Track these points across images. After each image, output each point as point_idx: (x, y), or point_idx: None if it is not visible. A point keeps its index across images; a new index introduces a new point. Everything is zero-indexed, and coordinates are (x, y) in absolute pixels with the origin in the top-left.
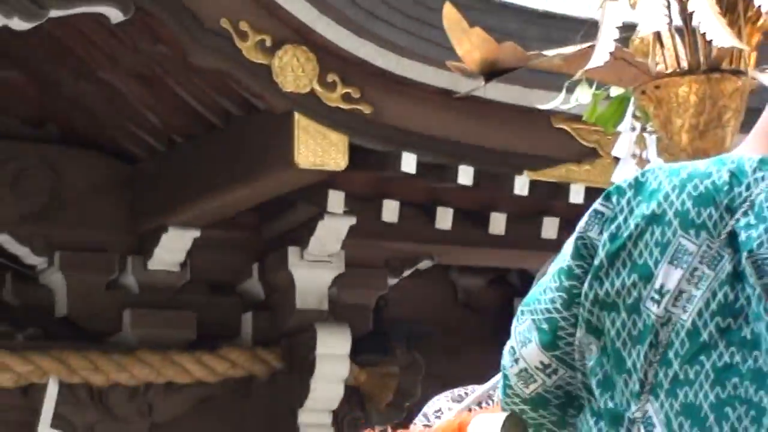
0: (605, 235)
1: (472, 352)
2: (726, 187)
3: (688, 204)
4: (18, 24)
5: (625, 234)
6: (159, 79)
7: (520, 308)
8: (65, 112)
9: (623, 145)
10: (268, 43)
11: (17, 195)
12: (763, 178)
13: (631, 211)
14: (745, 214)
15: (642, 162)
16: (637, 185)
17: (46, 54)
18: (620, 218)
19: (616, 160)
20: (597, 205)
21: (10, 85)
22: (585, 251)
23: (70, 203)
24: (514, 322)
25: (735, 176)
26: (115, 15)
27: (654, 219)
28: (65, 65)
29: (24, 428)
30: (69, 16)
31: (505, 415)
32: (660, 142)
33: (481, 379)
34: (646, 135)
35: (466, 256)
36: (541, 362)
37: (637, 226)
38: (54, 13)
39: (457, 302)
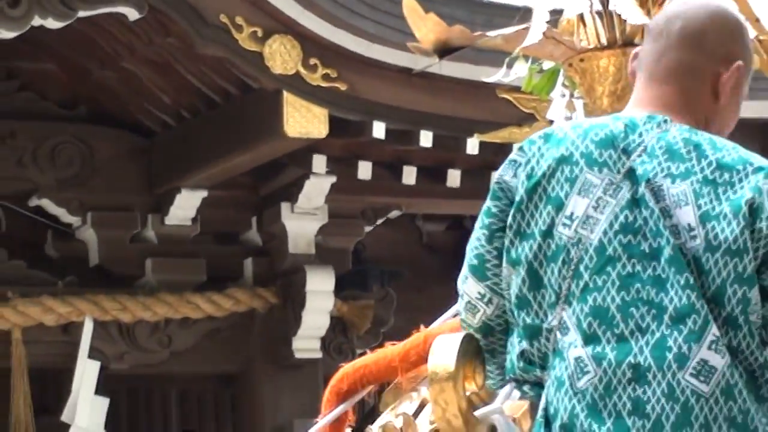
0: (523, 176)
1: (435, 286)
2: (622, 135)
3: (591, 147)
4: (52, 23)
5: (539, 173)
6: (170, 66)
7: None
8: (93, 96)
9: (556, 109)
10: (260, 33)
11: (55, 166)
12: (651, 128)
13: (542, 156)
14: (640, 154)
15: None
16: (546, 136)
17: (76, 47)
18: (533, 162)
19: (551, 122)
20: (512, 155)
21: (46, 75)
22: (501, 193)
23: (99, 171)
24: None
25: (629, 127)
26: (132, 14)
27: (563, 160)
28: (92, 56)
29: (66, 359)
30: (94, 16)
31: (462, 334)
32: (585, 106)
33: (443, 308)
34: (574, 100)
35: (428, 206)
36: (479, 293)
37: (549, 166)
38: (82, 14)
39: (422, 244)
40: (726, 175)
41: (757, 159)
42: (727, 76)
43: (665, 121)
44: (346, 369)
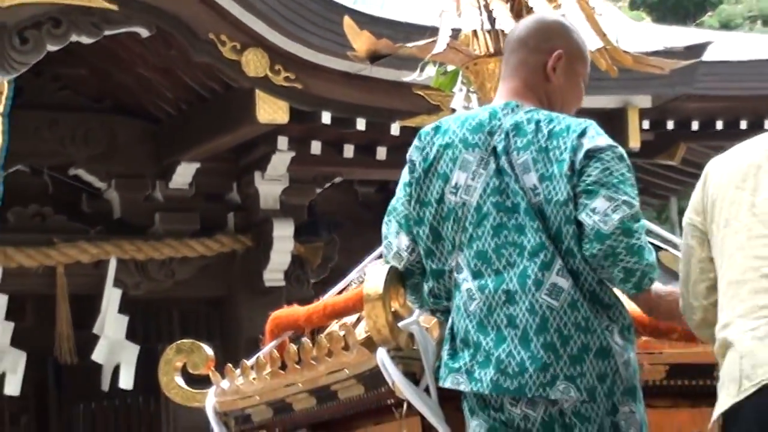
0: (420, 159)
1: (368, 233)
2: (487, 121)
3: (467, 133)
4: (85, 39)
5: (431, 157)
6: (172, 70)
7: (386, 216)
8: (115, 93)
9: (457, 101)
10: (238, 47)
11: (87, 145)
12: (507, 113)
13: (433, 144)
14: (499, 134)
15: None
16: (436, 128)
17: (102, 57)
18: (427, 148)
19: (453, 110)
20: (415, 141)
21: (80, 77)
22: (411, 167)
23: (120, 149)
24: (384, 226)
25: (492, 114)
26: (143, 32)
27: (447, 146)
28: (114, 63)
29: (96, 287)
30: (116, 34)
31: (389, 266)
32: (478, 98)
33: (374, 249)
34: (470, 94)
35: (362, 173)
36: (406, 245)
37: (438, 150)
38: (107, 32)
39: (358, 203)
40: (555, 142)
41: (576, 124)
42: (551, 62)
43: (517, 106)
44: (276, 315)
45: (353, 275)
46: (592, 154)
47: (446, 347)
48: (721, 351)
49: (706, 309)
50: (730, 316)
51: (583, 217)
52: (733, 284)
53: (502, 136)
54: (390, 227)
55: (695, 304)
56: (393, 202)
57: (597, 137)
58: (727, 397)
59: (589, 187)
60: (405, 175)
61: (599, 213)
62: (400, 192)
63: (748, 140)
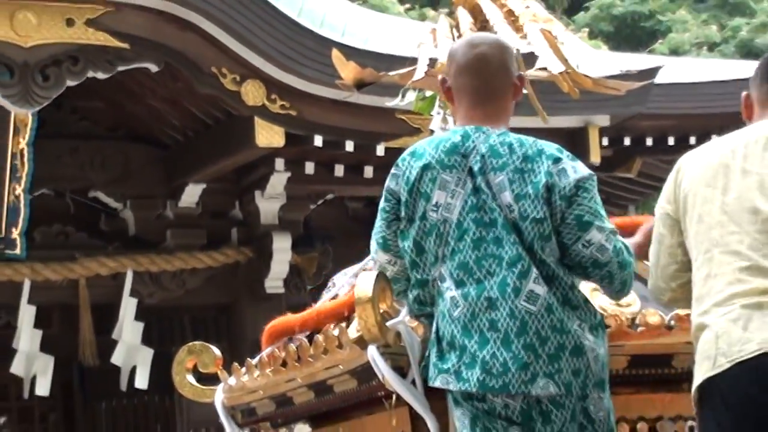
0: (402, 183)
1: (358, 245)
2: (460, 144)
3: (443, 155)
4: (100, 75)
5: (412, 179)
6: (179, 101)
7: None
8: (128, 122)
9: (435, 123)
10: (238, 79)
11: (104, 170)
12: (479, 136)
13: (412, 167)
14: (474, 156)
15: (447, 130)
16: (412, 153)
17: (117, 90)
18: (407, 173)
19: (432, 131)
20: (393, 169)
21: (96, 109)
22: (390, 197)
23: (134, 173)
24: (371, 243)
25: (464, 137)
26: (153, 68)
27: (426, 167)
28: (126, 95)
29: (115, 297)
30: (128, 69)
31: (377, 272)
32: (454, 120)
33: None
34: (447, 116)
35: (352, 191)
36: (386, 260)
37: (417, 174)
38: (120, 68)
39: (348, 217)
40: (529, 165)
41: (548, 148)
42: (515, 86)
43: (486, 130)
44: (272, 325)
45: (341, 284)
46: (580, 185)
47: (434, 350)
48: (698, 333)
49: (674, 290)
50: (707, 305)
51: (579, 248)
52: (711, 278)
53: (478, 157)
54: (372, 246)
55: (664, 287)
56: (376, 226)
57: (576, 165)
58: (702, 372)
59: (582, 219)
60: (382, 203)
61: (594, 245)
62: (381, 216)
63: (719, 138)
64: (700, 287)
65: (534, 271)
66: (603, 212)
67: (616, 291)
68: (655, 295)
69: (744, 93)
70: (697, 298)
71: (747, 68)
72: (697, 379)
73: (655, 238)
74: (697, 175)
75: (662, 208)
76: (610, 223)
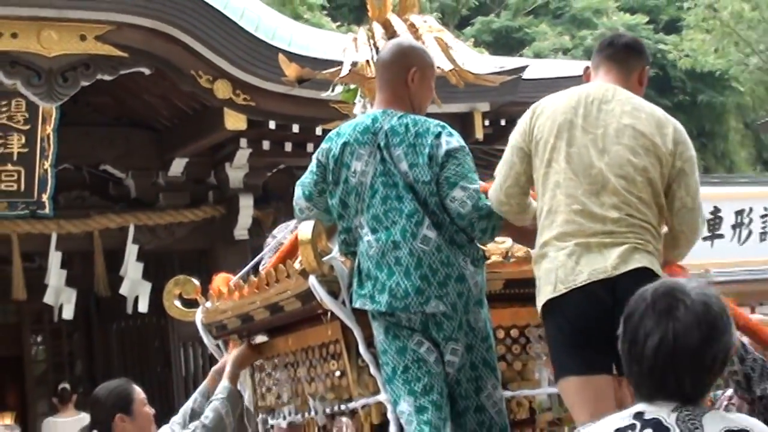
0: (330, 156)
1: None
2: (371, 125)
3: (358, 135)
4: (107, 77)
5: (337, 153)
6: (167, 96)
7: (297, 187)
8: (129, 112)
9: (357, 109)
10: (210, 79)
11: (111, 149)
12: (384, 118)
13: (337, 144)
14: (381, 134)
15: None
16: (337, 133)
17: (120, 88)
18: (334, 148)
19: (356, 115)
20: (322, 144)
21: (105, 103)
22: (318, 163)
23: (134, 151)
24: (296, 190)
25: (374, 119)
26: (146, 71)
27: (346, 144)
28: (127, 92)
29: (121, 245)
30: (128, 72)
31: (315, 221)
32: (371, 107)
33: None
34: (366, 103)
35: (298, 162)
36: (306, 206)
37: (340, 149)
38: (122, 72)
39: (295, 182)
40: (419, 140)
41: (433, 127)
42: (410, 77)
43: (390, 113)
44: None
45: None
46: (450, 154)
47: (355, 280)
48: (539, 260)
49: (511, 205)
50: (548, 236)
51: (447, 203)
52: (552, 213)
53: (383, 135)
54: (297, 192)
55: (504, 200)
56: (302, 179)
57: (451, 139)
58: (546, 294)
59: (450, 180)
60: (312, 167)
61: (458, 200)
62: (310, 176)
63: (568, 91)
64: (544, 219)
65: (427, 220)
66: (470, 175)
67: (478, 237)
68: (495, 205)
69: (585, 66)
70: (540, 228)
71: None
72: (542, 299)
73: (507, 162)
74: (548, 125)
75: (516, 141)
76: (475, 184)
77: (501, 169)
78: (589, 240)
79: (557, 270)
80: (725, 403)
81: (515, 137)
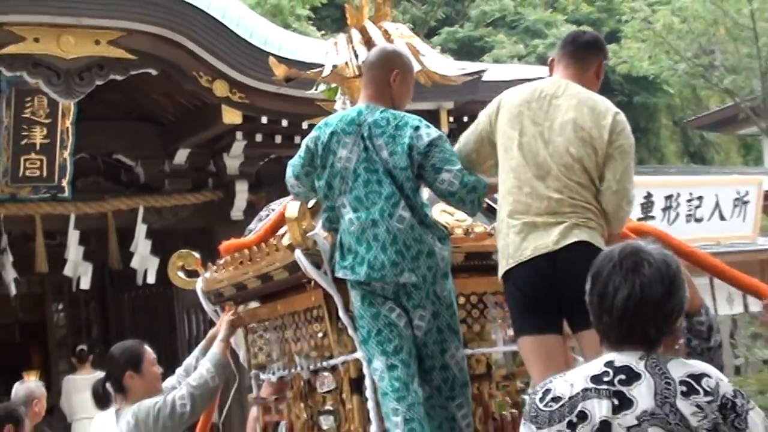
0: (319, 143)
1: None
2: (356, 117)
3: (344, 125)
4: (118, 77)
5: (325, 141)
6: (172, 94)
7: (288, 168)
8: (138, 108)
9: (338, 105)
10: (210, 79)
11: (123, 140)
12: (368, 111)
13: (325, 133)
14: (365, 126)
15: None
16: (325, 123)
17: (130, 86)
18: (322, 136)
19: (336, 110)
20: (312, 131)
21: (117, 100)
22: (308, 149)
23: (143, 142)
24: (288, 169)
25: (359, 112)
26: (153, 72)
27: (333, 134)
28: (137, 90)
29: (132, 224)
30: (137, 73)
31: (300, 202)
32: (351, 102)
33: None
34: (346, 100)
35: (287, 152)
36: (295, 183)
37: (328, 137)
38: (131, 72)
39: (284, 170)
40: (399, 132)
41: (411, 121)
42: (392, 77)
43: (373, 107)
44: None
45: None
46: (432, 143)
47: (338, 253)
48: (498, 236)
49: (465, 164)
50: (502, 215)
51: (437, 185)
52: (506, 194)
53: (367, 127)
54: (288, 171)
55: (463, 160)
56: (292, 161)
57: (430, 130)
58: (502, 267)
59: (435, 166)
60: (302, 151)
61: (446, 182)
62: (300, 160)
63: (527, 85)
64: (502, 198)
65: (402, 203)
66: (452, 159)
67: (469, 210)
68: (461, 158)
69: (550, 59)
70: (499, 206)
71: (541, 72)
72: (500, 270)
73: (473, 134)
74: (506, 116)
75: (482, 123)
76: (457, 165)
77: (468, 137)
78: (536, 219)
79: (508, 247)
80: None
81: (482, 119)
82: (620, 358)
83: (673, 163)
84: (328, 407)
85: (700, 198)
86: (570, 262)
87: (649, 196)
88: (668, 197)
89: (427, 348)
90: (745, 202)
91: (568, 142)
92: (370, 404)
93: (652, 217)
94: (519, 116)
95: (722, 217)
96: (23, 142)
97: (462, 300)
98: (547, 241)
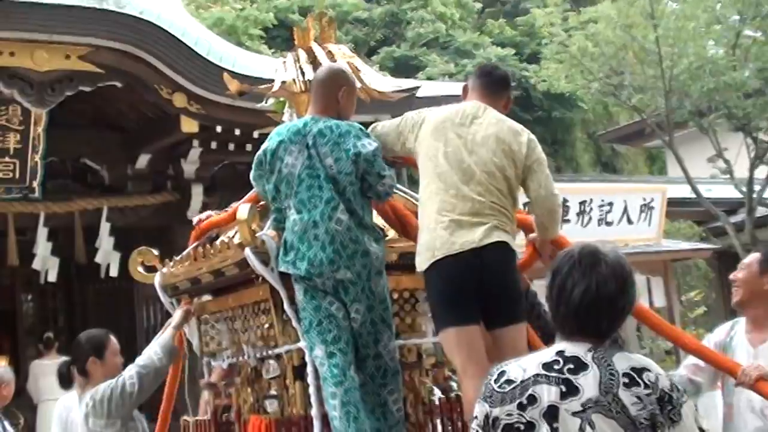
0: (268, 151)
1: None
2: (302, 128)
3: (291, 135)
4: (86, 88)
5: (273, 148)
6: (135, 104)
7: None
8: (104, 117)
9: (286, 117)
10: (170, 91)
11: (90, 146)
12: (314, 123)
13: (274, 142)
14: (310, 135)
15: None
16: (276, 133)
17: (97, 97)
18: (271, 145)
19: (284, 122)
20: (266, 142)
21: (84, 109)
22: (261, 157)
23: (108, 147)
24: (251, 173)
25: (305, 123)
26: (119, 84)
27: (281, 142)
28: (103, 101)
29: (97, 222)
30: (104, 85)
31: (250, 204)
32: (297, 115)
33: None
34: (293, 113)
35: (238, 159)
36: (255, 183)
37: (276, 145)
38: (98, 84)
39: (236, 175)
40: (342, 140)
41: (353, 130)
42: (341, 93)
43: (317, 119)
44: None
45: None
46: (375, 153)
47: (282, 250)
48: (424, 230)
49: (385, 144)
50: (429, 211)
51: (377, 188)
52: (434, 194)
53: (311, 137)
54: (252, 175)
55: (387, 154)
56: (253, 174)
57: (371, 140)
58: (427, 258)
59: (380, 173)
60: (255, 161)
61: (386, 185)
62: (254, 166)
63: (449, 106)
64: (427, 198)
65: (341, 206)
66: (385, 166)
67: (385, 197)
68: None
69: (464, 84)
70: (424, 204)
71: None
72: (423, 261)
73: (395, 126)
74: (429, 129)
75: (406, 126)
76: (390, 171)
77: (389, 126)
78: (461, 218)
79: (435, 240)
80: None
81: (405, 122)
82: (571, 349)
83: (586, 172)
84: (272, 392)
85: (610, 204)
86: (493, 258)
87: (565, 201)
88: (582, 203)
89: (362, 338)
90: (651, 208)
91: (492, 153)
92: (311, 389)
93: (567, 221)
94: (443, 130)
95: (630, 222)
96: None
97: (395, 295)
98: (474, 237)
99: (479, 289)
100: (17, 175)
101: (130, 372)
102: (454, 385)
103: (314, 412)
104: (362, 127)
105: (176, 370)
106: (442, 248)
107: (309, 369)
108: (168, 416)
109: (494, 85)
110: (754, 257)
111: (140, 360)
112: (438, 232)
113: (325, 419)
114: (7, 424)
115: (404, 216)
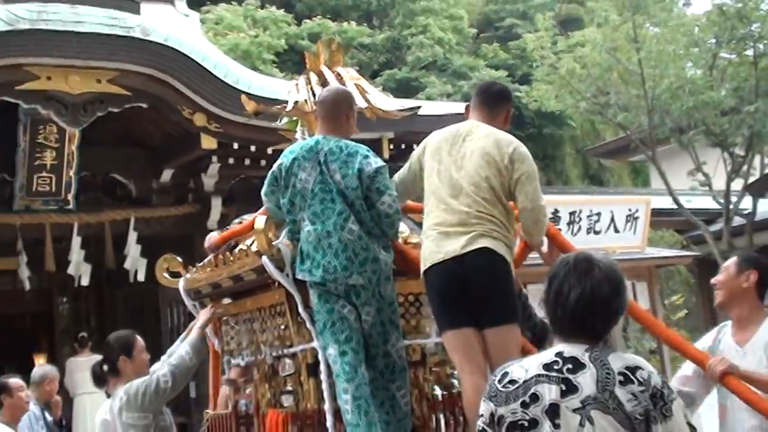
0: (282, 167)
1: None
2: (315, 146)
3: (305, 152)
4: (115, 109)
5: (288, 165)
6: (160, 123)
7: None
8: (131, 134)
9: (298, 135)
10: (191, 112)
11: (118, 162)
12: (325, 142)
13: (288, 159)
14: (321, 153)
15: (307, 138)
16: (290, 151)
17: (124, 117)
18: (285, 162)
19: (297, 140)
20: (280, 158)
21: (114, 128)
22: (275, 173)
23: (135, 163)
24: (263, 188)
25: (317, 142)
26: (144, 105)
27: (295, 159)
28: (130, 120)
29: (125, 231)
30: (131, 106)
31: (267, 216)
32: (309, 134)
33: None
34: (305, 132)
35: (254, 173)
36: (267, 199)
37: (291, 163)
38: (126, 106)
39: (252, 188)
40: (350, 158)
41: (361, 150)
42: (347, 115)
43: (328, 138)
44: (213, 235)
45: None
46: (378, 171)
47: (298, 259)
48: (422, 244)
49: (399, 191)
50: (425, 227)
51: (378, 206)
52: (429, 212)
53: (323, 154)
54: (263, 190)
55: (402, 200)
56: (266, 179)
57: (377, 159)
58: (423, 266)
59: (380, 189)
60: (270, 176)
61: (386, 204)
62: (267, 180)
63: (447, 128)
64: (425, 215)
65: (352, 218)
66: (391, 186)
67: (391, 235)
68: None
69: (466, 104)
70: (424, 221)
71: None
72: (420, 271)
73: (407, 169)
74: (429, 152)
75: (413, 163)
76: (395, 193)
77: (402, 174)
78: (449, 229)
79: (426, 251)
80: None
81: (413, 158)
82: (569, 350)
83: (575, 184)
84: (288, 388)
85: (598, 214)
86: (474, 264)
87: (556, 212)
88: (572, 213)
89: (372, 338)
90: (636, 218)
91: (477, 165)
92: (324, 385)
93: (559, 230)
94: (439, 150)
95: (616, 230)
96: (36, 163)
97: (401, 299)
98: (456, 246)
99: (466, 293)
100: (53, 189)
101: (164, 370)
102: (455, 382)
103: (327, 406)
104: (369, 148)
105: (216, 361)
106: (429, 258)
107: (322, 366)
108: (217, 399)
109: (491, 100)
110: (732, 260)
111: (173, 360)
112: (427, 243)
113: (337, 413)
114: (47, 414)
115: (403, 251)
